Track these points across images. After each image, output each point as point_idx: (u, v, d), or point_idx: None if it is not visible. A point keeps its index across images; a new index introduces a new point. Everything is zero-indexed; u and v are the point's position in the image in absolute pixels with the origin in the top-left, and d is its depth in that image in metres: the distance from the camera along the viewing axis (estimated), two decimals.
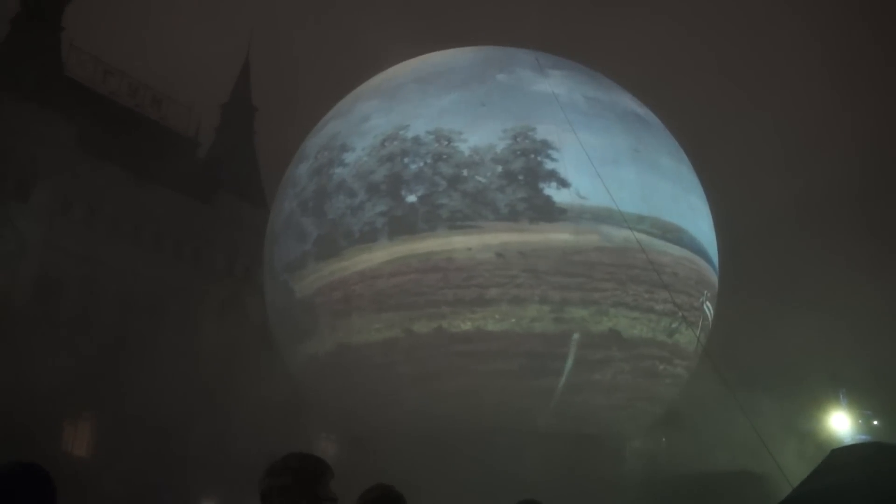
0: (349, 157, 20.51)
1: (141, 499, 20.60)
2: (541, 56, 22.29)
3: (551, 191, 18.86)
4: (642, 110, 22.31)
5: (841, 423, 22.08)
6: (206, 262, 33.73)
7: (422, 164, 19.25)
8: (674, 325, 19.37)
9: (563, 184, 18.89)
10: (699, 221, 21.16)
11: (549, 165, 19.04)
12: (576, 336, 18.75)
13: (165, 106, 35.87)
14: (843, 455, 7.27)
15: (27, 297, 27.18)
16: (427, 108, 20.26)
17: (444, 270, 18.71)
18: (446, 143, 19.27)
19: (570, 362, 18.59)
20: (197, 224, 33.33)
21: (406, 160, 19.44)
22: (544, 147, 19.15)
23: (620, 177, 19.15)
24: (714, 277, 21.58)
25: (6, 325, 24.65)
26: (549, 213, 18.81)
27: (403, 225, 19.07)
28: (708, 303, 20.79)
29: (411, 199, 19.12)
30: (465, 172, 18.98)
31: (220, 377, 27.03)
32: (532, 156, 19.10)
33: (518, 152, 19.11)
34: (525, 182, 18.91)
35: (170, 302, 31.28)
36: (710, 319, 21.42)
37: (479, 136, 19.28)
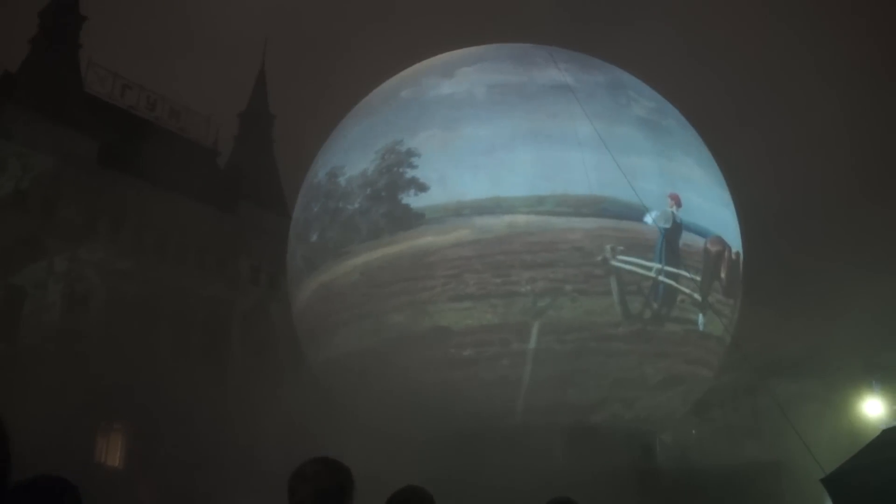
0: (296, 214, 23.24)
1: None
2: (555, 51, 21.97)
3: (409, 199, 18.76)
4: (574, 79, 20.30)
5: (874, 410, 21.84)
6: (231, 271, 34.01)
7: (318, 205, 20.91)
8: (540, 304, 18.01)
9: (422, 188, 18.73)
10: (640, 183, 18.70)
11: (410, 174, 18.93)
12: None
13: (184, 117, 36.19)
14: (894, 433, 7.16)
15: (57, 313, 27.58)
16: (338, 145, 21.53)
17: (326, 300, 20.18)
18: (333, 179, 20.51)
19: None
20: (220, 233, 33.61)
21: (312, 204, 21.26)
22: (408, 156, 19.09)
23: (512, 161, 18.52)
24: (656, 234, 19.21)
25: (38, 341, 25.05)
26: (407, 221, 18.68)
27: (310, 262, 20.82)
28: (623, 256, 18.38)
29: (314, 238, 20.75)
30: (340, 204, 20.05)
31: (248, 385, 27.22)
32: (396, 169, 19.18)
33: (384, 170, 19.32)
34: (387, 196, 19.11)
35: (196, 312, 31.59)
36: (658, 273, 18.84)
37: (355, 164, 19.99)
